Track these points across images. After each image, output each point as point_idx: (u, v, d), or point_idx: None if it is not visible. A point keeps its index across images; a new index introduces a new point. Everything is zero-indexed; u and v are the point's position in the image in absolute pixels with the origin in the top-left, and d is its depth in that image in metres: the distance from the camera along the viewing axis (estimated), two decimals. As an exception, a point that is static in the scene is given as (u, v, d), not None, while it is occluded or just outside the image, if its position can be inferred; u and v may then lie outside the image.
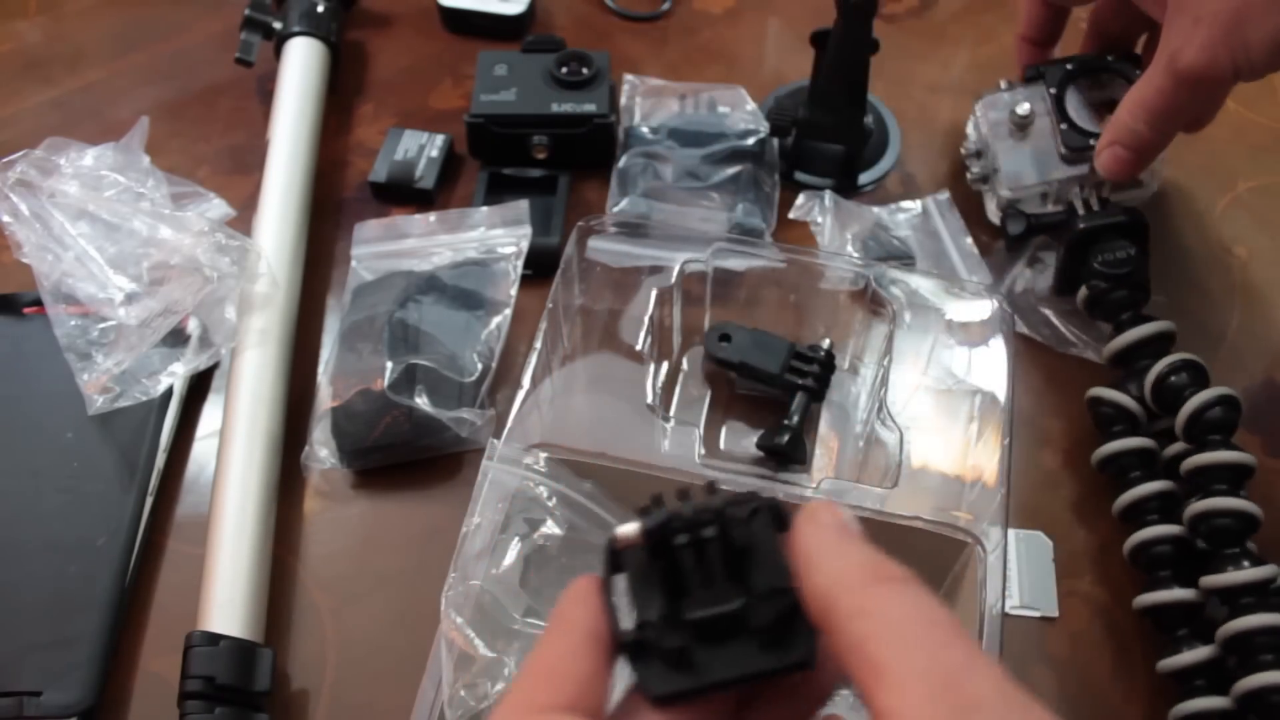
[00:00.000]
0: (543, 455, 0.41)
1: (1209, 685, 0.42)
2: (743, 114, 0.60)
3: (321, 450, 0.49)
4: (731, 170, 0.57)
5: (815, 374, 0.47)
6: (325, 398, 0.49)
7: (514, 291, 0.52)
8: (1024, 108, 0.53)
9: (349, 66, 0.67)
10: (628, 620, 0.23)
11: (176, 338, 0.51)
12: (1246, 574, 0.42)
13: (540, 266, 0.54)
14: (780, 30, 0.70)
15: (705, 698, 0.23)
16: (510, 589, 0.40)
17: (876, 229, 0.57)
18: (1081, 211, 0.52)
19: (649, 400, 0.44)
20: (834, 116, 0.58)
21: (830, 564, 0.22)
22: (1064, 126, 0.52)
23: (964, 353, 0.46)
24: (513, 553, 0.40)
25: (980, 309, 0.47)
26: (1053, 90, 0.53)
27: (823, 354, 0.47)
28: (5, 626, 0.44)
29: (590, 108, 0.59)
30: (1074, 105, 0.53)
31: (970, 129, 0.57)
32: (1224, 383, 0.46)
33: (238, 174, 0.61)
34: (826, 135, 0.59)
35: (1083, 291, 0.52)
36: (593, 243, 0.48)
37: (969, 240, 0.57)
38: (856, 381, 0.49)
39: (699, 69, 0.67)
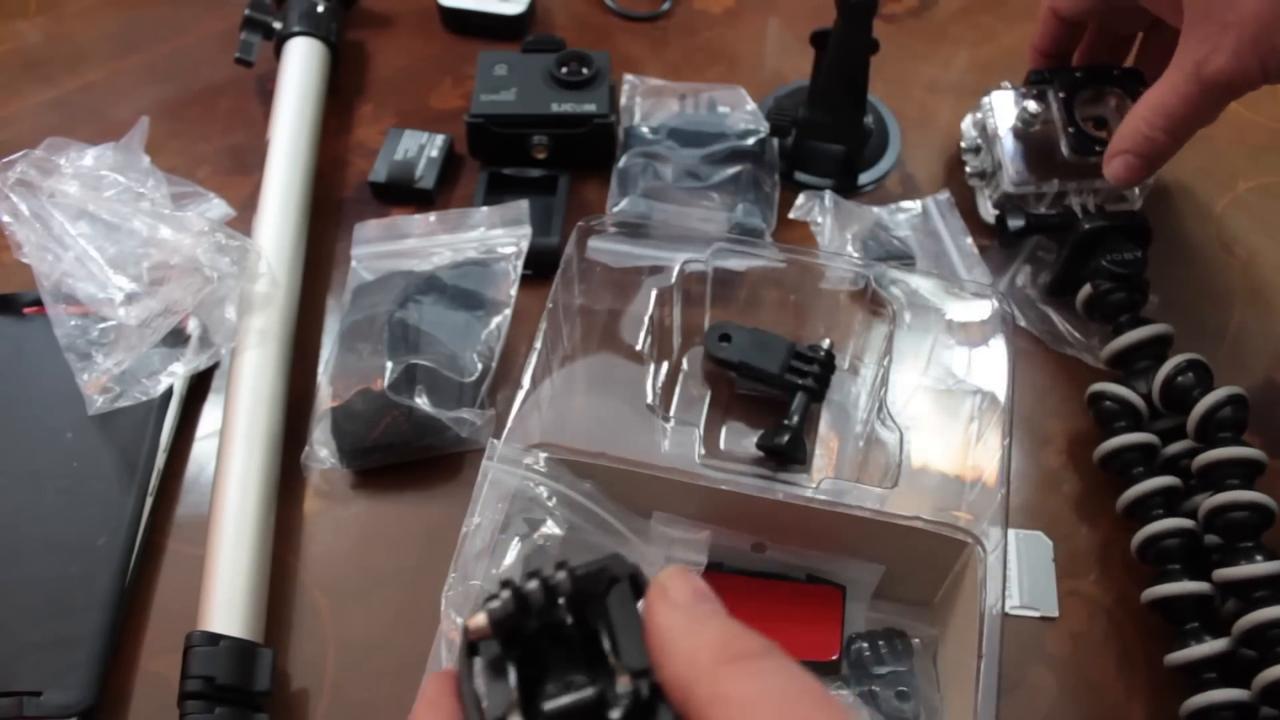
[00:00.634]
0: (543, 455, 0.41)
1: (1219, 679, 0.43)
2: (743, 114, 0.60)
3: (321, 450, 0.49)
4: (731, 170, 0.57)
5: (815, 374, 0.47)
6: (325, 398, 0.49)
7: (514, 291, 0.52)
8: (1034, 106, 0.53)
9: (349, 66, 0.67)
10: (489, 710, 0.22)
11: (176, 338, 0.51)
12: (1263, 567, 0.42)
13: (540, 266, 0.54)
14: (780, 30, 0.70)
15: None
16: (510, 589, 0.40)
17: (876, 229, 0.57)
18: (1080, 214, 0.52)
19: (649, 400, 0.44)
20: (834, 116, 0.58)
21: (682, 645, 0.21)
22: (1071, 130, 0.52)
23: (964, 352, 0.46)
24: (513, 553, 0.40)
25: (980, 309, 0.47)
26: (1062, 94, 0.53)
27: (823, 354, 0.47)
28: (5, 626, 0.44)
29: (590, 108, 0.59)
30: (1079, 111, 0.53)
31: (969, 125, 0.57)
32: (1224, 383, 0.46)
33: (238, 174, 0.61)
34: (826, 135, 0.59)
35: (1085, 291, 0.52)
36: (593, 243, 0.48)
37: (969, 240, 0.57)
38: (856, 381, 0.49)
39: (699, 69, 0.67)
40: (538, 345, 0.45)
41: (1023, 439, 0.51)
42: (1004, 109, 0.54)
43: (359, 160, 0.62)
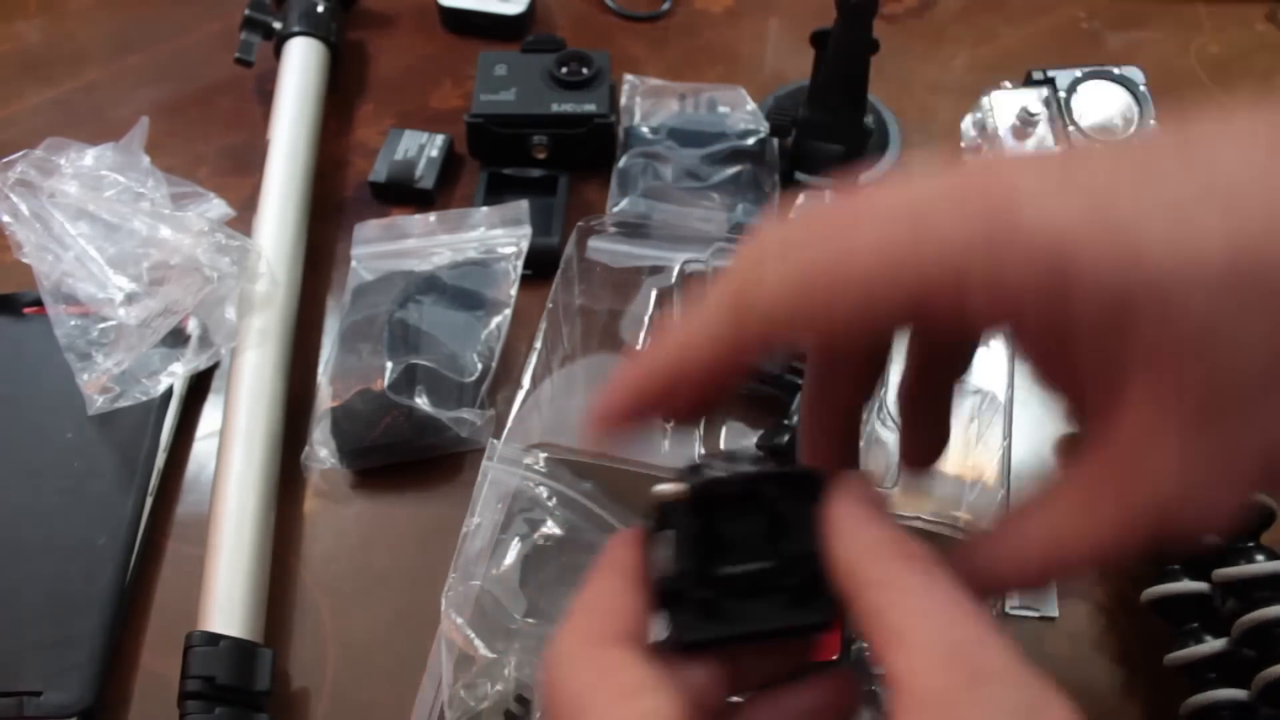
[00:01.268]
0: (543, 455, 0.41)
1: (1219, 678, 0.43)
2: (743, 114, 0.60)
3: (321, 450, 0.49)
4: (731, 170, 0.57)
5: (815, 374, 0.47)
6: (325, 398, 0.49)
7: (514, 291, 0.52)
8: (1034, 105, 0.53)
9: (349, 66, 0.67)
10: (665, 570, 0.24)
11: (176, 338, 0.51)
12: (1263, 567, 0.42)
13: (540, 266, 0.54)
14: (780, 30, 0.70)
15: (729, 649, 0.24)
16: (510, 589, 0.40)
17: (876, 229, 0.57)
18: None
19: (649, 400, 0.44)
20: (834, 116, 0.58)
21: (858, 535, 0.23)
22: (1071, 129, 0.52)
23: (964, 353, 0.46)
24: (513, 553, 0.40)
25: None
26: (1062, 94, 0.53)
27: (823, 354, 0.47)
28: (5, 626, 0.44)
29: (590, 108, 0.59)
30: (1079, 112, 0.53)
31: (969, 125, 0.57)
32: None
33: (237, 174, 0.61)
34: (826, 135, 0.59)
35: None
36: (593, 243, 0.48)
37: (969, 240, 0.57)
38: (856, 381, 0.49)
39: (699, 69, 0.67)
40: (538, 345, 0.45)
41: (1022, 439, 0.51)
42: (1004, 109, 0.54)
43: (359, 160, 0.62)
